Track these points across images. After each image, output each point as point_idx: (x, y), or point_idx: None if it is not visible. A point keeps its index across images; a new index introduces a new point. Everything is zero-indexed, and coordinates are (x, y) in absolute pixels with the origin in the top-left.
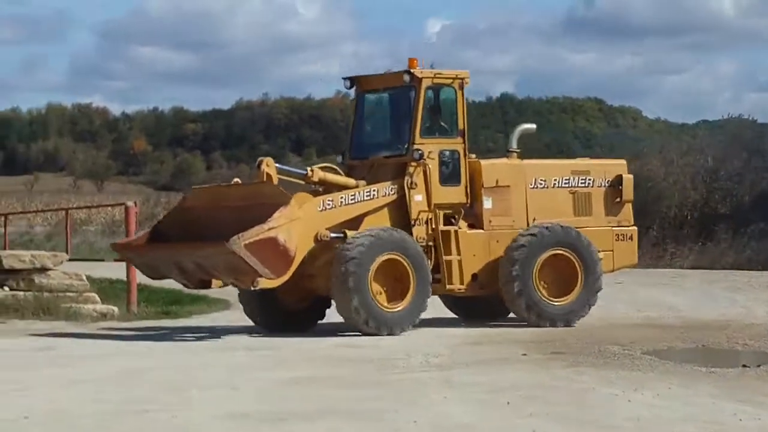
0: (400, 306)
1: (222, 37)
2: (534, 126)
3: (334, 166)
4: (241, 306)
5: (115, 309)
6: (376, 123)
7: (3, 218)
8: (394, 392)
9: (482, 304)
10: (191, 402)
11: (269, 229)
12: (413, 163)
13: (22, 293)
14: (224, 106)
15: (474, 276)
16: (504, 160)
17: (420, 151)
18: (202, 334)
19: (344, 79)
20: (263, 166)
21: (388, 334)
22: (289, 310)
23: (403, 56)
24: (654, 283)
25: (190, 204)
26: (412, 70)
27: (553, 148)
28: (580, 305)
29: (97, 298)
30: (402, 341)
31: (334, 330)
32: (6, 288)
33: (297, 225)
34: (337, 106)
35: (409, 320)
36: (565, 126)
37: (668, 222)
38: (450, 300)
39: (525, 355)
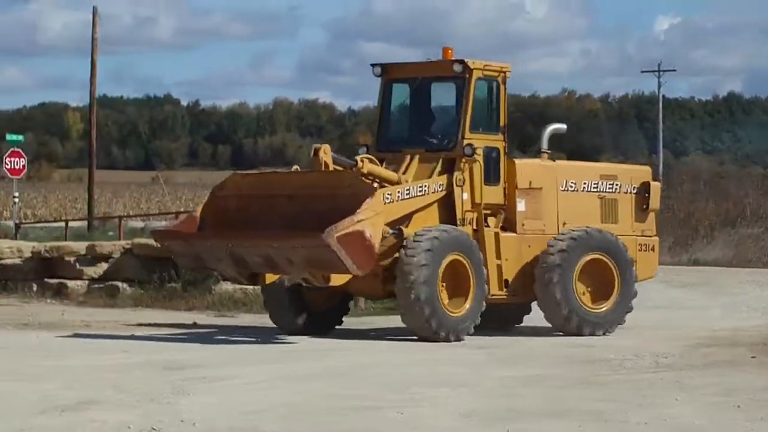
0: (463, 309)
1: (448, 34)
2: (564, 126)
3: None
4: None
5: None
6: (414, 114)
7: None
8: (623, 393)
9: (494, 312)
10: (419, 399)
11: (359, 221)
12: (464, 159)
13: (251, 287)
14: None
15: (506, 282)
16: (537, 161)
17: (472, 147)
18: None
19: (373, 65)
20: (321, 154)
21: (456, 339)
22: (315, 311)
23: (631, 54)
24: None
25: (232, 192)
26: (464, 60)
27: None
28: (619, 313)
29: None
30: (632, 342)
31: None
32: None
33: (379, 218)
34: (563, 104)
35: (470, 323)
36: None
37: None
38: None
39: (754, 357)
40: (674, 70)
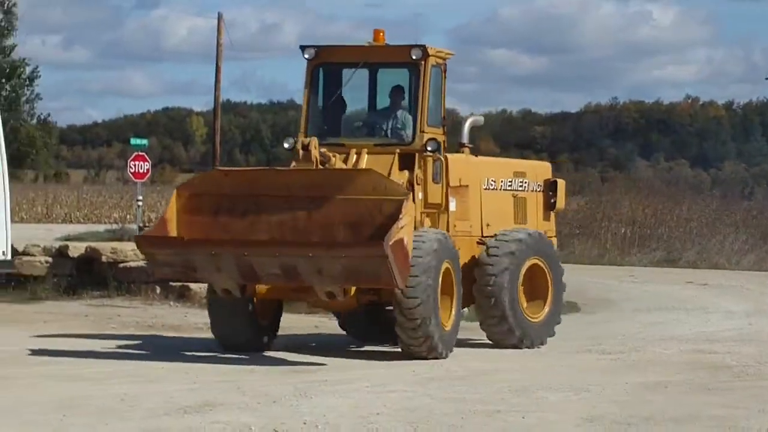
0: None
1: (573, 41)
2: (482, 118)
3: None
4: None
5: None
6: (358, 103)
7: None
8: (745, 400)
9: (381, 323)
10: (541, 403)
11: (402, 227)
12: (426, 155)
13: None
14: (572, 109)
15: None
16: (464, 156)
17: (437, 142)
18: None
19: (304, 47)
20: (312, 148)
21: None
22: (260, 326)
23: (756, 61)
24: None
25: (207, 190)
26: (425, 45)
27: None
28: (551, 322)
29: None
30: (754, 349)
31: (687, 337)
32: None
33: (411, 224)
34: (686, 111)
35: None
36: None
37: None
38: (344, 317)
39: None
40: None
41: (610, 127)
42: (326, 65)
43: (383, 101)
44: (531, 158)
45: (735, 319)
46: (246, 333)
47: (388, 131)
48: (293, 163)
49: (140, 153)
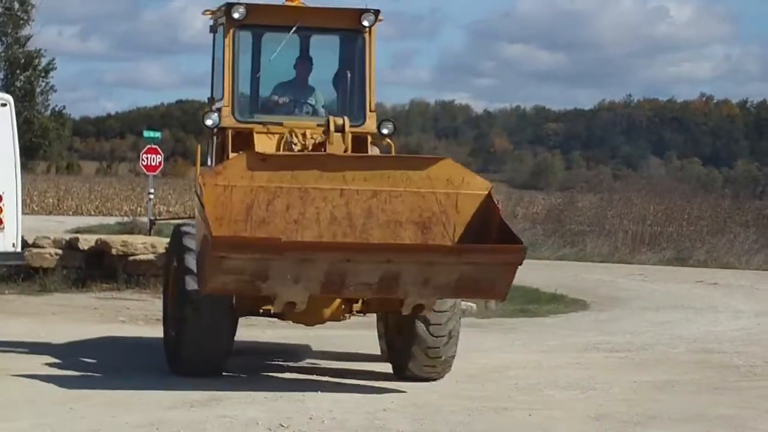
0: None
1: (589, 37)
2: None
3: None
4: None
5: (473, 305)
6: (281, 75)
7: None
8: (753, 399)
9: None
10: (548, 401)
11: None
12: (379, 138)
13: None
14: (586, 105)
15: None
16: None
17: (392, 123)
18: (561, 332)
19: (231, 5)
20: (347, 130)
21: None
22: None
23: None
24: None
25: (240, 182)
26: (378, 10)
27: None
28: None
29: None
30: (761, 349)
31: (696, 336)
32: None
33: None
34: (700, 109)
35: None
36: None
37: None
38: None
39: None
40: None
41: (623, 125)
42: (253, 28)
43: (320, 73)
44: (543, 155)
45: (744, 319)
46: (225, 352)
47: (331, 110)
48: (294, 147)
49: (152, 146)
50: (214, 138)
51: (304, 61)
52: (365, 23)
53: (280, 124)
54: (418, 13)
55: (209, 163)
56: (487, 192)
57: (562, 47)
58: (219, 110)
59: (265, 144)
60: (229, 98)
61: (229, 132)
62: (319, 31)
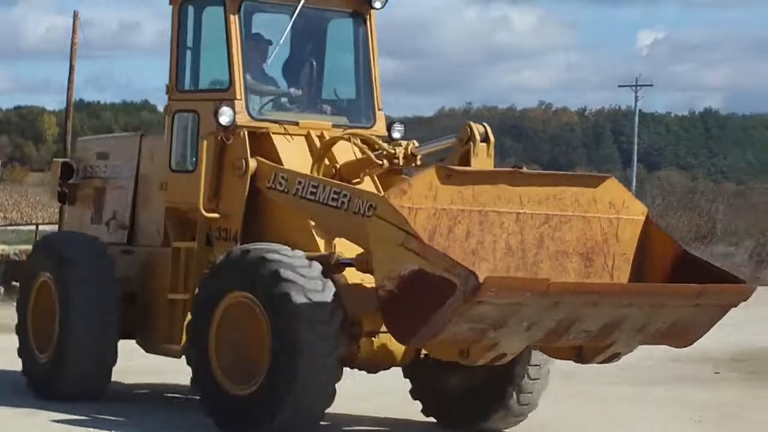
0: None
1: (431, 45)
2: None
3: None
4: None
5: None
6: (294, 64)
7: None
8: (587, 407)
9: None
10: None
11: None
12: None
13: None
14: (427, 113)
15: None
16: None
17: (403, 125)
18: None
19: None
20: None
21: None
22: None
23: (613, 68)
24: None
25: (424, 203)
26: None
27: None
28: None
29: None
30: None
31: None
32: None
33: None
34: (539, 117)
35: None
36: None
37: None
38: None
39: (717, 373)
40: (651, 85)
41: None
42: (255, 5)
43: (329, 63)
44: None
45: None
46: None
47: (340, 107)
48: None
49: None
50: (214, 138)
51: (301, 39)
52: (377, 5)
53: (296, 124)
54: None
55: (170, 163)
56: (644, 217)
57: (398, 55)
58: (232, 103)
59: (286, 149)
60: (241, 90)
61: (244, 132)
62: (329, 13)
